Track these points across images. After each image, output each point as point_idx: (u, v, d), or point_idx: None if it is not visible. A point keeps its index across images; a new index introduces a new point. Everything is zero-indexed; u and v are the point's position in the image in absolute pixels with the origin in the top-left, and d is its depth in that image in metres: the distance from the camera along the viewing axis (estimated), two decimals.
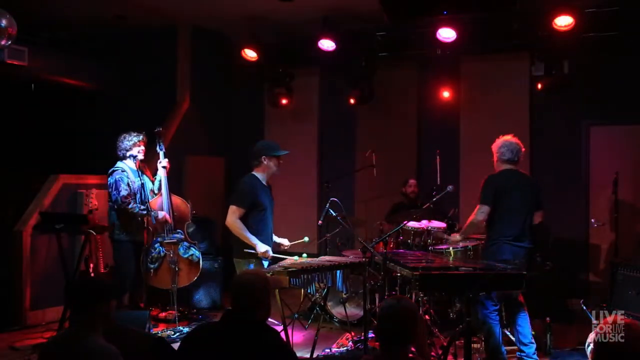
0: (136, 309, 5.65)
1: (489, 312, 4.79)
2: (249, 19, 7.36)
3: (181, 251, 5.75)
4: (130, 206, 5.45)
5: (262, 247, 4.73)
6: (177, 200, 5.95)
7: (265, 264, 4.81)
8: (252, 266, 4.72)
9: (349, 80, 7.72)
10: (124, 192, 5.45)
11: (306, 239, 5.10)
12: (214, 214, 7.65)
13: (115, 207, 5.52)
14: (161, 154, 5.80)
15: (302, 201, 8.24)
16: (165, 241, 5.67)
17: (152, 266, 5.60)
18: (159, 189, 5.80)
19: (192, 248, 5.82)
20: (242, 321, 2.84)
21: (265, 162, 4.89)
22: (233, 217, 4.74)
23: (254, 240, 4.73)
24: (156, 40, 8.16)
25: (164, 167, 5.76)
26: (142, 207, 5.52)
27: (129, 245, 5.61)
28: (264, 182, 4.94)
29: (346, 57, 7.42)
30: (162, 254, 5.67)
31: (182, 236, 5.81)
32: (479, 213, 4.85)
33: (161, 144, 5.80)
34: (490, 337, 4.80)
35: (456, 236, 5.35)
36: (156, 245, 5.66)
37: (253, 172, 4.95)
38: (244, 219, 4.78)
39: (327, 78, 8.43)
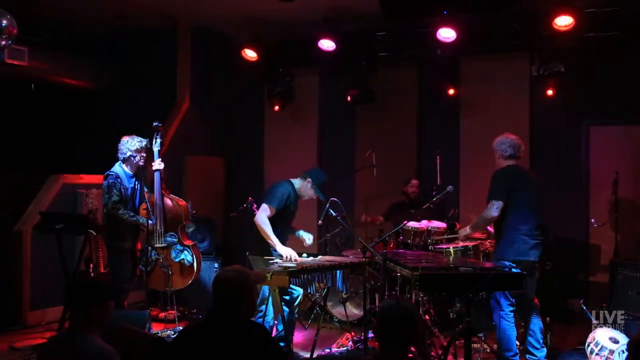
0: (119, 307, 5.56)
1: (504, 314, 4.66)
2: (249, 19, 7.35)
3: (173, 255, 5.68)
4: (120, 212, 5.37)
5: (284, 250, 4.83)
6: (169, 202, 5.80)
7: None
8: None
9: (349, 80, 7.72)
10: (115, 198, 5.35)
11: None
12: (214, 214, 7.64)
13: (105, 210, 5.47)
14: (156, 153, 5.64)
15: (301, 201, 8.21)
16: (156, 245, 5.60)
17: (143, 268, 5.57)
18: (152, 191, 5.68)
19: (185, 252, 5.70)
20: (227, 318, 2.82)
21: (308, 184, 5.06)
22: (264, 215, 4.83)
23: (277, 243, 4.83)
24: (156, 40, 8.16)
25: (158, 169, 5.63)
26: (132, 213, 5.45)
27: (121, 251, 5.52)
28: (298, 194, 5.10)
29: (346, 57, 7.42)
30: (153, 257, 5.62)
31: (175, 239, 5.69)
32: (494, 209, 4.67)
33: (157, 140, 5.63)
34: (504, 342, 4.65)
35: (466, 229, 5.16)
36: (148, 249, 5.62)
37: (293, 180, 5.10)
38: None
39: (327, 78, 8.42)
